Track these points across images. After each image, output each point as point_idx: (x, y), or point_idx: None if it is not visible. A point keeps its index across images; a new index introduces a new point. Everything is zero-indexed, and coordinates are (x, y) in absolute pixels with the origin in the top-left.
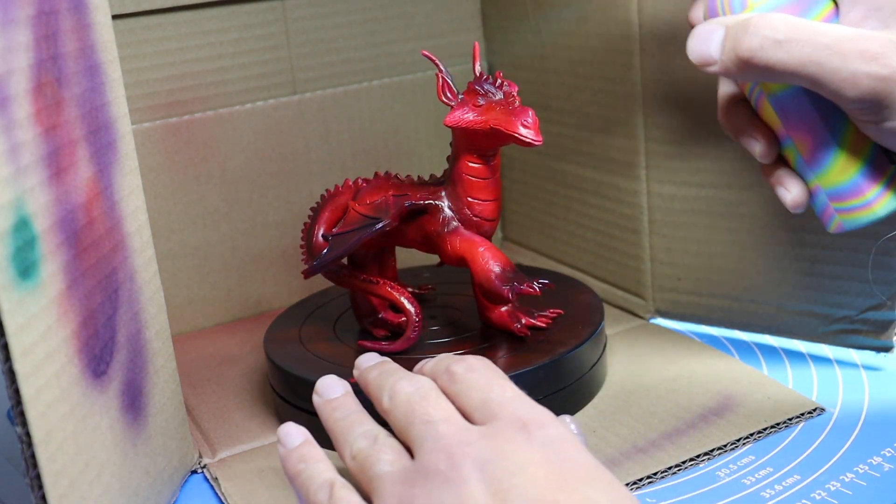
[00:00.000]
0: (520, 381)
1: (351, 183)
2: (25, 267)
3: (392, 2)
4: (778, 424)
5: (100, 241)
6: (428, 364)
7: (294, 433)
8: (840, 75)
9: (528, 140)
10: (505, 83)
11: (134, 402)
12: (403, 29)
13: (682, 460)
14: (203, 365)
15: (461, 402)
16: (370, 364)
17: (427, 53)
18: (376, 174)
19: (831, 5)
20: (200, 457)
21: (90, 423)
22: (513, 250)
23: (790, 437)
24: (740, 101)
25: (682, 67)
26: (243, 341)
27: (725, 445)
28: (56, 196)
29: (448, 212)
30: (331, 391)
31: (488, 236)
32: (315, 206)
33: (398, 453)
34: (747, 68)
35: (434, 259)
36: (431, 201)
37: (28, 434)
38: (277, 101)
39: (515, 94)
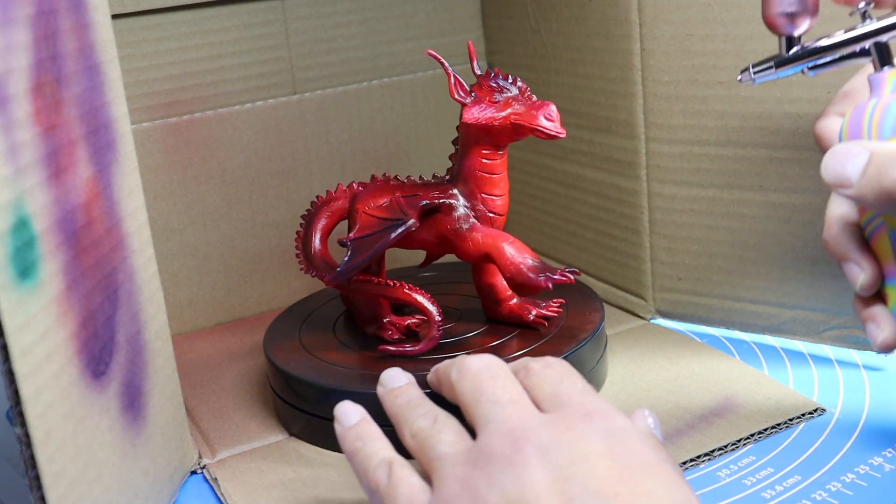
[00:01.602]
0: None
1: (345, 188)
2: (25, 267)
3: (392, 2)
4: (778, 425)
5: (99, 241)
6: (510, 364)
7: (351, 411)
8: None
9: (552, 132)
10: (518, 78)
11: (133, 402)
12: (403, 29)
13: (683, 460)
14: (203, 365)
15: (533, 393)
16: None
17: (432, 53)
18: (373, 177)
19: None
20: (200, 457)
21: (89, 423)
22: None
23: (791, 438)
24: (851, 225)
25: (683, 67)
26: (243, 341)
27: (726, 446)
28: (55, 196)
29: (463, 209)
30: (394, 381)
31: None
32: (307, 212)
33: (459, 434)
34: (887, 200)
35: (415, 260)
36: (445, 199)
37: (27, 434)
38: (277, 101)
39: (526, 89)
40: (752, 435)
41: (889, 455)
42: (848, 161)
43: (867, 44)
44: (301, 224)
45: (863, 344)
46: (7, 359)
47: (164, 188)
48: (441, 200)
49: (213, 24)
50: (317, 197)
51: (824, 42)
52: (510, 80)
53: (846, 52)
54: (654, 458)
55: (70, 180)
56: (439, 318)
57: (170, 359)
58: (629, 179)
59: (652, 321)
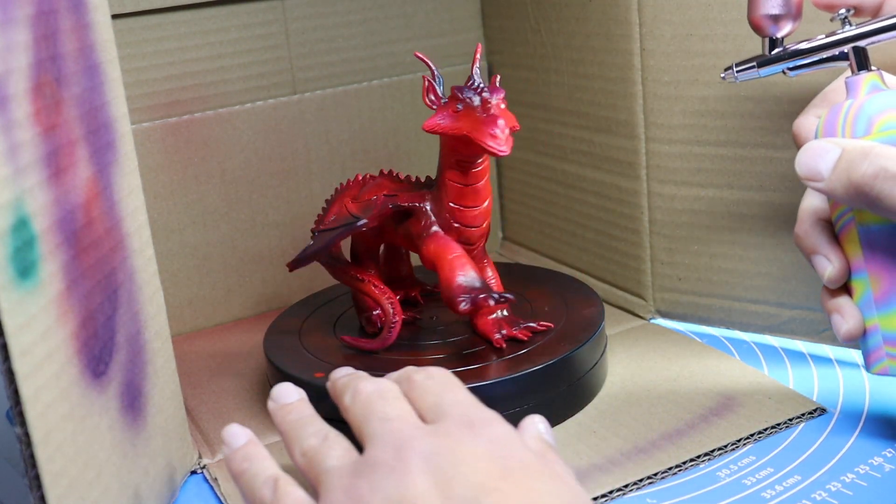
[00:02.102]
0: (521, 381)
1: (361, 178)
2: (25, 267)
3: (392, 2)
4: (778, 425)
5: (99, 241)
6: (394, 374)
7: (239, 433)
8: None
9: (492, 150)
10: (485, 89)
11: (133, 402)
12: (403, 29)
13: (683, 460)
14: (203, 365)
15: (417, 405)
16: (343, 373)
17: (420, 55)
18: (381, 171)
19: None
20: (200, 457)
21: (89, 423)
22: (513, 250)
23: (791, 438)
24: (822, 220)
25: (683, 67)
26: (243, 341)
27: (726, 446)
28: (55, 196)
29: (430, 216)
30: (286, 397)
31: (471, 243)
32: (329, 198)
33: (347, 449)
34: (855, 194)
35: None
36: (415, 204)
37: (27, 434)
38: (277, 101)
39: (496, 100)
40: (752, 435)
41: (889, 455)
42: (820, 156)
43: (846, 48)
44: (323, 208)
45: None
46: (7, 359)
47: (164, 188)
48: (410, 204)
49: (213, 24)
50: (339, 183)
51: (805, 45)
52: (478, 90)
53: (826, 55)
54: (537, 460)
55: (70, 180)
56: (393, 320)
57: (170, 359)
58: (629, 179)
59: (652, 321)
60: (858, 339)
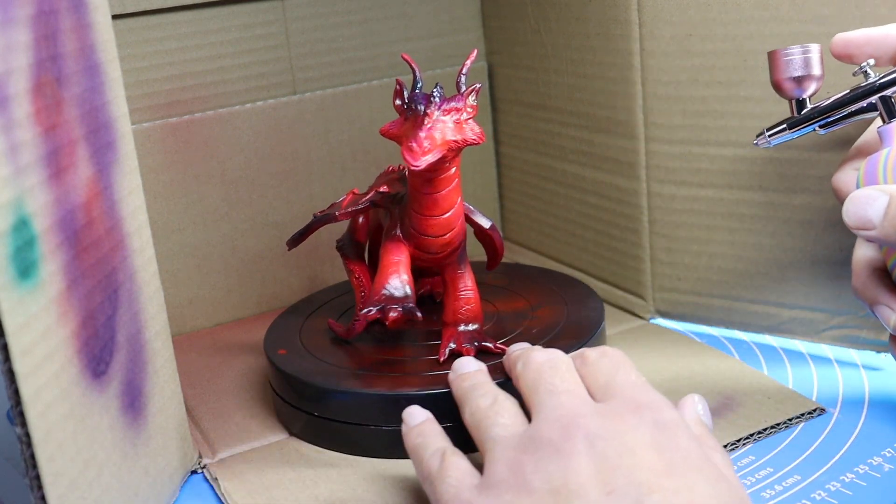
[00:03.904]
0: None
1: (391, 169)
2: (25, 267)
3: (392, 2)
4: (778, 424)
5: (99, 240)
6: (569, 354)
7: (417, 414)
8: None
9: (406, 162)
10: (428, 99)
11: (134, 402)
12: (403, 29)
13: None
14: (203, 365)
15: (588, 382)
16: (519, 347)
17: (406, 57)
18: (400, 167)
19: None
20: (200, 457)
21: (90, 423)
22: (513, 250)
23: (790, 438)
24: (879, 269)
25: (683, 67)
26: (243, 341)
27: (725, 445)
28: (56, 196)
29: (397, 219)
30: (465, 367)
31: (431, 252)
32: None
33: (515, 416)
34: None
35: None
36: (389, 205)
37: (27, 434)
38: (277, 101)
39: (437, 111)
40: (752, 435)
41: (888, 455)
42: (868, 204)
43: (873, 99)
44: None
45: (862, 344)
46: (7, 358)
47: (164, 188)
48: (382, 204)
49: (213, 24)
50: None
51: (832, 101)
52: (423, 100)
53: (854, 108)
54: (701, 453)
55: (70, 180)
56: (360, 311)
57: (170, 359)
58: (629, 179)
59: (652, 321)
60: None
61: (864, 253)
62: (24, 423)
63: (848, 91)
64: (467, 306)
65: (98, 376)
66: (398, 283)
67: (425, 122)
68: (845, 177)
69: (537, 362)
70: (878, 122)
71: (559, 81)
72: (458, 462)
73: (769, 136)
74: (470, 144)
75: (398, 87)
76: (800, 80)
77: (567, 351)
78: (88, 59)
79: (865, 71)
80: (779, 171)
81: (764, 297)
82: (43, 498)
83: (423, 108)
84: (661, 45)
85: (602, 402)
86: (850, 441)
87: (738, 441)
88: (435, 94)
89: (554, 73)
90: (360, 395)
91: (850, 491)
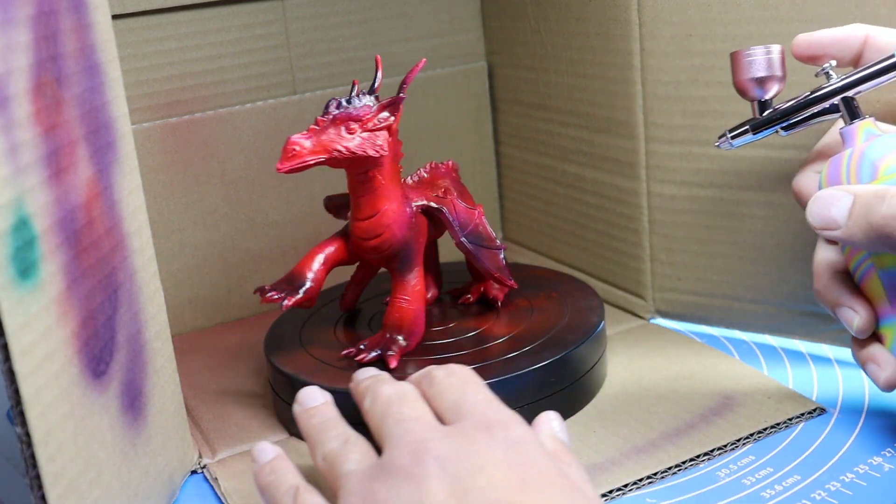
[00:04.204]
0: (521, 381)
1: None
2: (25, 267)
3: (392, 2)
4: (778, 424)
5: (99, 240)
6: (416, 373)
7: (267, 450)
8: None
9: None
10: (330, 107)
11: (134, 402)
12: (403, 29)
13: (682, 460)
14: (203, 365)
15: (436, 404)
16: (366, 375)
17: (378, 58)
18: (433, 165)
19: None
20: (200, 457)
21: (90, 423)
22: (513, 250)
23: (790, 438)
24: (841, 271)
25: (683, 67)
26: (243, 341)
27: (725, 445)
28: (56, 196)
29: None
30: (311, 401)
31: (366, 254)
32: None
33: (366, 453)
34: (877, 237)
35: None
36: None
37: (28, 434)
38: (277, 101)
39: (326, 118)
40: (752, 435)
41: (888, 455)
42: (832, 204)
43: (836, 100)
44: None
45: None
46: (7, 358)
47: (164, 188)
48: (338, 203)
49: (213, 24)
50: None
51: (794, 103)
52: (327, 110)
53: (816, 109)
54: (554, 468)
55: (70, 180)
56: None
57: (170, 359)
58: (629, 179)
59: (652, 321)
60: None
61: (825, 255)
62: (24, 423)
63: (810, 92)
64: (396, 315)
65: (98, 376)
66: (296, 274)
67: (316, 129)
68: (806, 179)
69: (385, 396)
70: (840, 123)
71: (559, 81)
72: (312, 499)
73: (731, 137)
74: (359, 157)
75: (355, 89)
76: (762, 81)
77: (566, 351)
78: (88, 59)
79: (827, 72)
80: (779, 171)
81: (764, 297)
82: (43, 498)
83: (320, 119)
84: (661, 45)
85: (452, 424)
86: (850, 441)
87: (738, 441)
88: (332, 102)
89: (554, 73)
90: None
91: (850, 491)
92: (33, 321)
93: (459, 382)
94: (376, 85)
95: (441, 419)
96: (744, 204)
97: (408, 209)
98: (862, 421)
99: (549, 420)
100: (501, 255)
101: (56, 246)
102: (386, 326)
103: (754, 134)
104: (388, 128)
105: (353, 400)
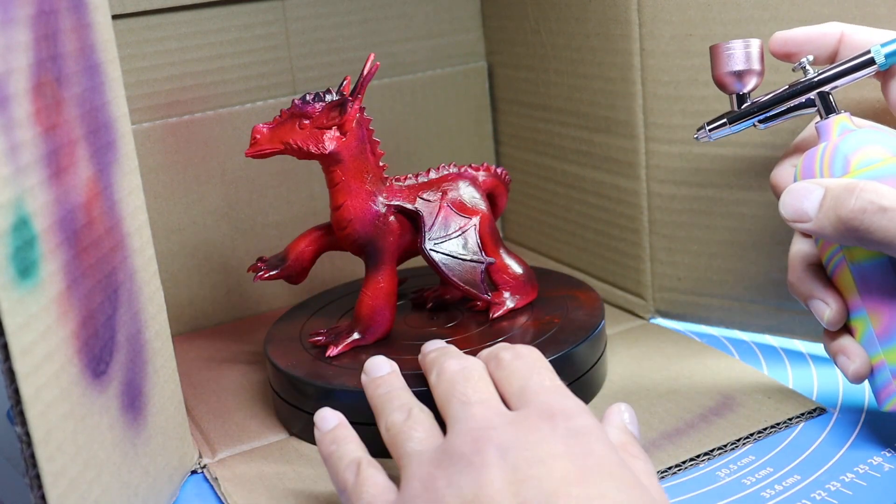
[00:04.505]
0: None
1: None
2: (25, 266)
3: (392, 2)
4: (778, 424)
5: (99, 240)
6: (484, 351)
7: (329, 417)
8: None
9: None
10: (295, 102)
11: (134, 402)
12: (403, 29)
13: (682, 460)
14: (203, 365)
15: (502, 388)
16: (433, 346)
17: (371, 57)
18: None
19: None
20: (200, 457)
21: (90, 422)
22: (513, 250)
23: (790, 437)
24: (814, 264)
25: (683, 67)
26: (243, 341)
27: (725, 445)
28: (56, 196)
29: None
30: (378, 370)
31: (347, 244)
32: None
33: (429, 431)
34: (845, 230)
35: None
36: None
37: (27, 434)
38: (277, 101)
39: (286, 112)
40: (752, 434)
41: (888, 455)
42: (805, 197)
43: (811, 95)
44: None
45: None
46: (7, 358)
47: (164, 188)
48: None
49: (213, 24)
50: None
51: (771, 97)
52: (292, 103)
53: (793, 104)
54: (616, 460)
55: (70, 180)
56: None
57: (170, 359)
58: (629, 179)
59: (652, 321)
60: (868, 378)
61: (799, 248)
62: (24, 423)
63: (787, 87)
64: (357, 308)
65: (98, 376)
66: (286, 250)
67: (276, 118)
68: (783, 172)
69: (450, 371)
70: (817, 118)
71: (559, 81)
72: (374, 475)
73: (709, 130)
74: (305, 152)
75: (345, 84)
76: (740, 75)
77: (566, 350)
78: (88, 59)
79: (804, 67)
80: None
81: (764, 297)
82: (43, 498)
83: (283, 110)
84: (661, 45)
85: (516, 411)
86: (851, 441)
87: (738, 441)
88: (298, 97)
89: (554, 73)
90: (359, 395)
91: (850, 491)
92: (33, 321)
93: (526, 367)
94: (344, 85)
95: (507, 403)
96: (744, 204)
97: (374, 207)
98: (862, 421)
99: (621, 411)
100: (480, 270)
101: (56, 246)
102: (354, 314)
103: (732, 126)
104: (341, 126)
105: (421, 371)
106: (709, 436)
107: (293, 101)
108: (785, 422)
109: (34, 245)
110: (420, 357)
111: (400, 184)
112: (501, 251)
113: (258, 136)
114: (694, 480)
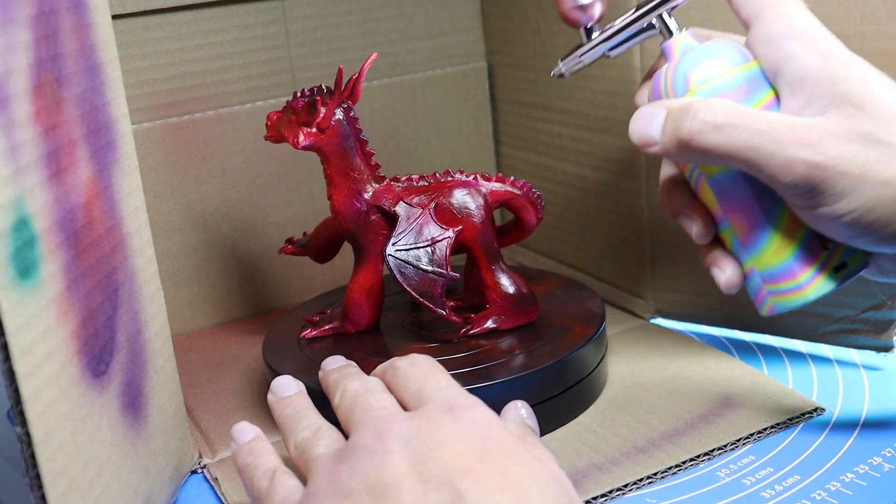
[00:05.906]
0: (523, 383)
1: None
2: (25, 267)
3: (392, 2)
4: (778, 424)
5: (99, 240)
6: (380, 365)
7: (246, 430)
8: (776, 161)
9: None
10: (294, 101)
11: (134, 402)
12: (403, 29)
13: (682, 460)
14: (203, 365)
15: (400, 393)
16: (333, 367)
17: (371, 57)
18: (448, 172)
19: (772, 94)
20: (200, 457)
21: (90, 423)
22: (513, 250)
23: (790, 438)
24: (680, 183)
25: None
26: (243, 341)
27: (725, 445)
28: (56, 196)
29: None
30: (284, 389)
31: (342, 229)
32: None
33: (335, 439)
34: (687, 151)
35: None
36: None
37: (27, 434)
38: (277, 101)
39: (287, 104)
40: (752, 435)
41: (888, 455)
42: (649, 121)
43: (652, 19)
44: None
45: (862, 344)
46: (7, 358)
47: (164, 188)
48: None
49: (213, 24)
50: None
51: (617, 23)
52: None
53: (636, 29)
54: (516, 443)
55: (70, 180)
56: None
57: (170, 359)
58: (629, 179)
59: (652, 321)
60: (741, 286)
61: (666, 169)
62: (24, 423)
63: (631, 12)
64: (344, 299)
65: (98, 376)
66: (310, 234)
67: (284, 107)
68: (643, 97)
69: (352, 390)
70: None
71: (559, 81)
72: (287, 480)
73: (563, 65)
74: (289, 143)
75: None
76: (584, 8)
77: (566, 351)
78: (88, 59)
79: None
80: None
81: None
82: (43, 498)
83: (288, 101)
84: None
85: (415, 410)
86: (850, 441)
87: (738, 441)
88: (298, 93)
89: None
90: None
91: (850, 491)
92: (33, 321)
93: (422, 371)
94: (333, 86)
95: (405, 407)
96: None
97: (356, 204)
98: (862, 421)
99: (517, 408)
100: (441, 284)
101: (56, 246)
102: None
103: (581, 57)
104: (319, 124)
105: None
106: (709, 436)
107: (298, 95)
108: (785, 422)
109: (34, 245)
110: (321, 375)
111: (397, 184)
112: (496, 268)
113: (268, 123)
114: (694, 480)
